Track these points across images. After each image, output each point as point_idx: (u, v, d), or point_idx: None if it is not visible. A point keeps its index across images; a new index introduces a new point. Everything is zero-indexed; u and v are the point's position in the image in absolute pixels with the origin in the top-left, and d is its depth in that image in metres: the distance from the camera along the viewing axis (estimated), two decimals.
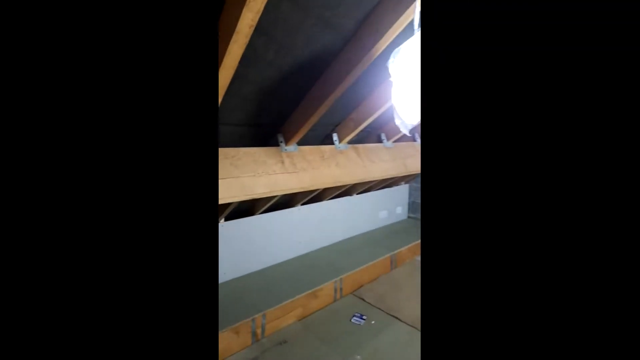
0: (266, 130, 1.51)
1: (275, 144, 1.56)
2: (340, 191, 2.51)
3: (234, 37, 0.88)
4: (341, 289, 2.36)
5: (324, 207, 2.74)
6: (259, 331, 1.99)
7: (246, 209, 2.37)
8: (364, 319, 2.08)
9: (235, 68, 0.98)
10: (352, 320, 2.08)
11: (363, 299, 2.34)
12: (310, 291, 2.18)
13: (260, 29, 1.00)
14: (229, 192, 1.33)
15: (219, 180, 1.31)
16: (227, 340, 1.85)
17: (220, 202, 1.32)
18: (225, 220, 2.26)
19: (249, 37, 0.90)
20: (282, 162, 1.54)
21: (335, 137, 1.88)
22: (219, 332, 1.80)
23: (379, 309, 2.21)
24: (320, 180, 1.66)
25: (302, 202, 2.50)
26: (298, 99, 1.43)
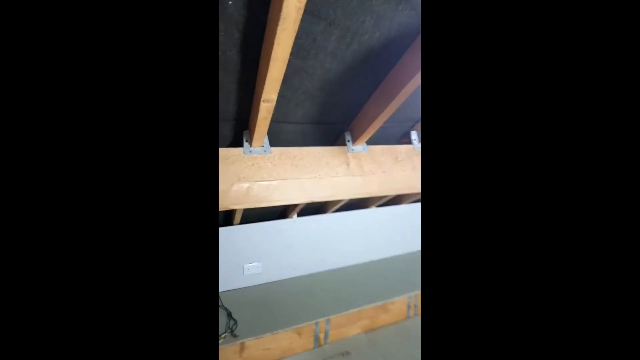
0: (332, 128, 1.36)
1: (342, 143, 1.41)
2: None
3: (281, 25, 0.75)
4: (415, 307, 2.08)
5: (402, 211, 2.46)
6: (321, 336, 1.90)
7: (319, 206, 2.30)
8: None
9: (287, 59, 0.86)
10: None
11: None
12: (380, 303, 1.98)
13: (316, 13, 0.85)
14: (287, 193, 1.24)
15: (279, 181, 1.23)
16: (290, 339, 1.81)
17: (278, 203, 1.24)
18: (298, 216, 2.23)
19: (298, 22, 0.76)
20: (348, 164, 1.37)
21: (414, 135, 1.61)
22: (284, 330, 1.77)
23: None
24: (391, 186, 1.44)
25: (377, 204, 2.29)
26: (368, 91, 1.23)
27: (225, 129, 1.14)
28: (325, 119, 1.30)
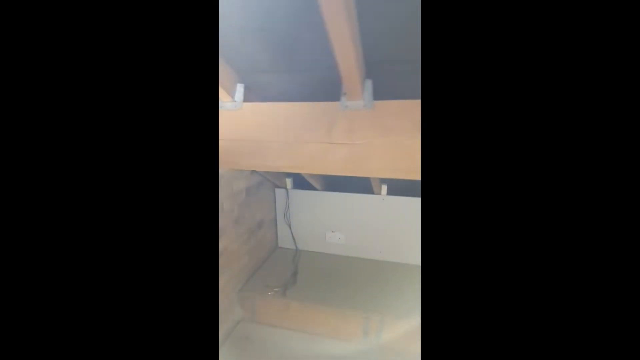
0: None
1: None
2: None
3: None
4: None
5: None
6: (371, 333, 1.51)
7: (415, 186, 1.68)
8: None
9: None
10: None
11: None
12: None
13: None
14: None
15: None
16: (335, 321, 1.58)
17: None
18: (388, 194, 1.75)
19: None
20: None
21: None
22: (333, 310, 1.57)
23: None
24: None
25: None
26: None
27: None
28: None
